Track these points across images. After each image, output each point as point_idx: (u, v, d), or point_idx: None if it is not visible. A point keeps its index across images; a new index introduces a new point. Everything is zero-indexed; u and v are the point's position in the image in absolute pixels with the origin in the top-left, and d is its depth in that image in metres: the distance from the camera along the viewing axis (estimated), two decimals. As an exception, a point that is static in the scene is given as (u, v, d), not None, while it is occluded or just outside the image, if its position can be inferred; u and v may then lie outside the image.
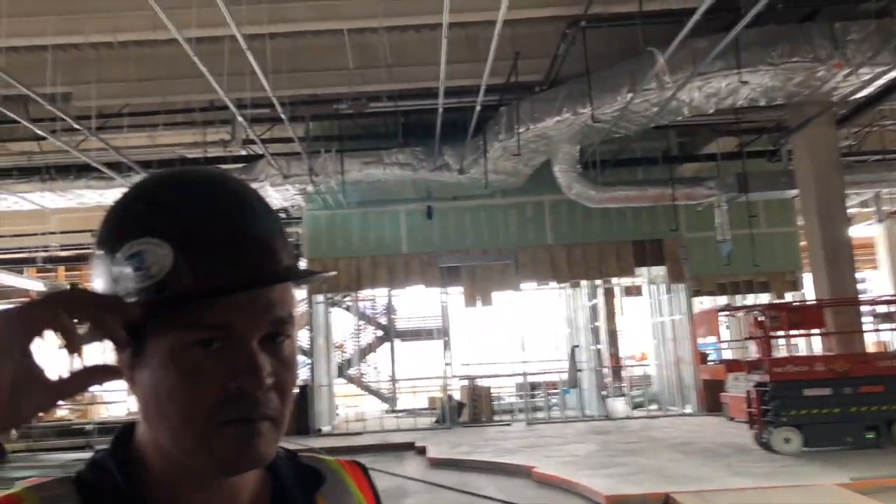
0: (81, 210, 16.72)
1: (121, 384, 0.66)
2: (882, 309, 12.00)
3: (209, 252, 0.61)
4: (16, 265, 21.15)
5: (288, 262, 0.66)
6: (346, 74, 12.62)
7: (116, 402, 23.42)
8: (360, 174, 14.28)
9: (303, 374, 21.54)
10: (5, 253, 20.75)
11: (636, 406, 17.47)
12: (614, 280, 18.19)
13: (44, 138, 11.67)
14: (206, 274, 0.60)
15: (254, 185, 10.07)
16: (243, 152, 14.59)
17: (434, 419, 16.86)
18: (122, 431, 0.71)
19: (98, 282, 0.63)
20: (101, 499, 0.66)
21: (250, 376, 0.61)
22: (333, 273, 0.79)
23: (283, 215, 19.28)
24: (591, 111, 11.56)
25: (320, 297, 16.92)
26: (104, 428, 17.32)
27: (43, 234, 19.64)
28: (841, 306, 11.33)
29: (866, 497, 6.89)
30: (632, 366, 21.48)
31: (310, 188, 14.56)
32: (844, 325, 11.30)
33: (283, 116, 10.94)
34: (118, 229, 0.63)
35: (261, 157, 13.86)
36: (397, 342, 21.91)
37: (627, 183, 14.56)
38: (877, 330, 11.71)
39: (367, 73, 12.55)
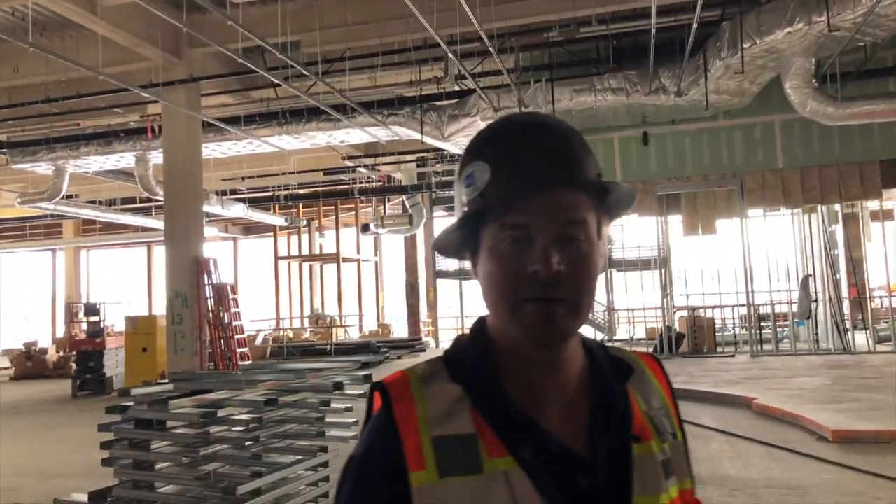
0: (314, 151, 18.55)
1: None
2: None
3: (511, 168, 0.80)
4: (263, 203, 23.73)
5: (581, 176, 0.81)
6: (555, 1, 12.57)
7: (352, 325, 26.22)
8: (571, 103, 14.23)
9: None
10: (253, 192, 23.38)
11: (881, 341, 15.98)
12: (859, 204, 16.51)
13: (278, 85, 12.95)
14: (508, 184, 0.79)
15: (466, 121, 10.69)
16: (456, 88, 15.18)
17: (652, 349, 16.80)
18: (480, 319, 0.91)
19: (455, 199, 0.87)
20: (464, 371, 0.85)
21: (542, 262, 0.78)
22: (627, 187, 0.87)
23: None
24: (828, 19, 10.45)
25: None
26: (341, 348, 19.44)
27: (283, 174, 21.96)
28: None
29: None
30: (879, 297, 19.48)
31: (521, 120, 14.84)
32: None
33: (491, 50, 11.21)
34: (463, 160, 0.85)
35: (472, 91, 14.34)
36: (613, 272, 21.87)
37: (875, 96, 12.96)
38: None
39: (576, -1, 12.40)
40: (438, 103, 15.45)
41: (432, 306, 24.91)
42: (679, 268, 20.77)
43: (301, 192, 23.99)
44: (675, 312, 17.68)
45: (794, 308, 16.28)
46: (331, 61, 13.57)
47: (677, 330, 16.76)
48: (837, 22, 10.53)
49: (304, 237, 28.58)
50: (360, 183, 23.83)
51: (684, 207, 16.40)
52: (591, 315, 14.77)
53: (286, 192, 22.99)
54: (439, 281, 25.00)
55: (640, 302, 20.07)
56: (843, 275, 17.31)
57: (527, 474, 0.78)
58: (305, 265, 28.49)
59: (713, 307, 17.93)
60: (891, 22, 10.68)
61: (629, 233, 23.21)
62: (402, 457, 0.79)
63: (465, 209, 0.83)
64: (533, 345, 0.82)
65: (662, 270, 17.21)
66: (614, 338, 19.26)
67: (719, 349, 16.55)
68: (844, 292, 16.66)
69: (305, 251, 28.39)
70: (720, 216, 16.10)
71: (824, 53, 12.24)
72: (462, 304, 26.63)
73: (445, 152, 18.15)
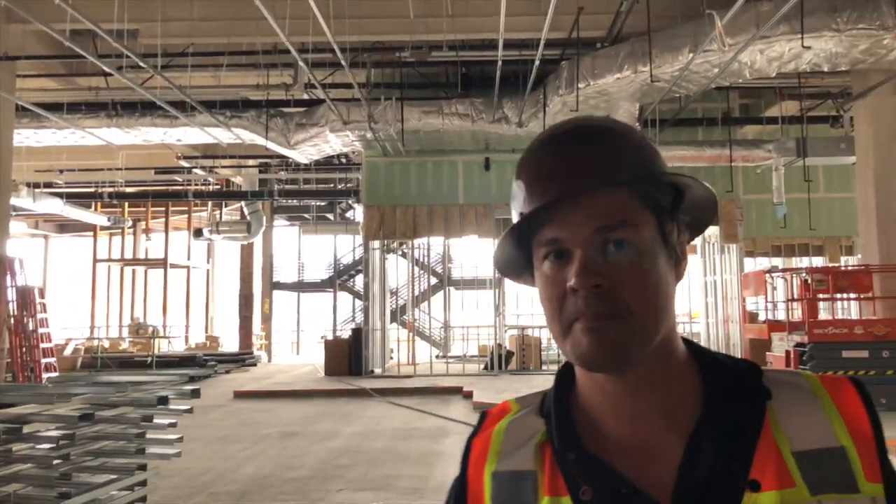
0: (145, 147, 17.49)
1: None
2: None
3: (532, 185, 0.74)
4: (83, 199, 21.90)
5: (614, 175, 0.71)
6: (408, 22, 12.84)
7: (176, 337, 24.88)
8: (419, 123, 14.57)
9: (357, 318, 22.42)
10: (73, 187, 21.56)
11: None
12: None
13: (110, 74, 12.07)
14: (531, 202, 0.73)
15: (313, 130, 10.54)
16: (305, 96, 15.01)
17: (483, 366, 17.43)
18: None
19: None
20: (548, 403, 0.80)
21: (576, 276, 0.69)
22: (702, 185, 0.76)
23: (342, 161, 19.84)
24: (650, 70, 11.53)
25: (376, 244, 17.46)
26: (163, 361, 18.35)
27: (109, 169, 20.47)
28: (888, 272, 11.30)
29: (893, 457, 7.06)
30: (682, 322, 21.53)
31: (369, 135, 14.94)
32: (891, 291, 11.27)
33: (343, 62, 11.24)
34: (516, 172, 0.79)
35: (322, 101, 14.26)
36: (451, 290, 22.50)
37: (686, 143, 14.47)
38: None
39: (429, 22, 12.74)
40: (286, 110, 15.18)
41: (267, 319, 24.22)
42: (512, 289, 21.80)
43: (128, 190, 22.47)
44: (506, 331, 18.47)
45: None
46: (172, 55, 12.91)
47: (507, 348, 17.53)
48: (658, 74, 11.64)
49: (129, 239, 26.75)
50: (196, 185, 22.76)
51: (519, 232, 17.18)
52: (426, 333, 14.84)
53: (111, 189, 21.41)
54: (276, 293, 24.38)
55: (475, 320, 20.75)
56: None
57: None
58: (128, 269, 26.62)
59: (541, 327, 18.93)
60: (701, 78, 11.98)
61: (467, 253, 24.05)
62: (465, 490, 0.79)
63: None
64: (589, 369, 0.74)
65: (497, 290, 17.96)
66: (448, 354, 19.75)
67: (545, 367, 17.49)
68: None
69: (129, 254, 26.56)
70: (551, 242, 17.06)
71: (647, 100, 13.46)
72: (299, 318, 26.16)
73: (290, 160, 17.83)
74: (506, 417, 0.81)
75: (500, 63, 11.99)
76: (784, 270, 13.43)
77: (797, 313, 12.26)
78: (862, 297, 11.83)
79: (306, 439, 9.04)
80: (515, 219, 0.76)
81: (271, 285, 24.03)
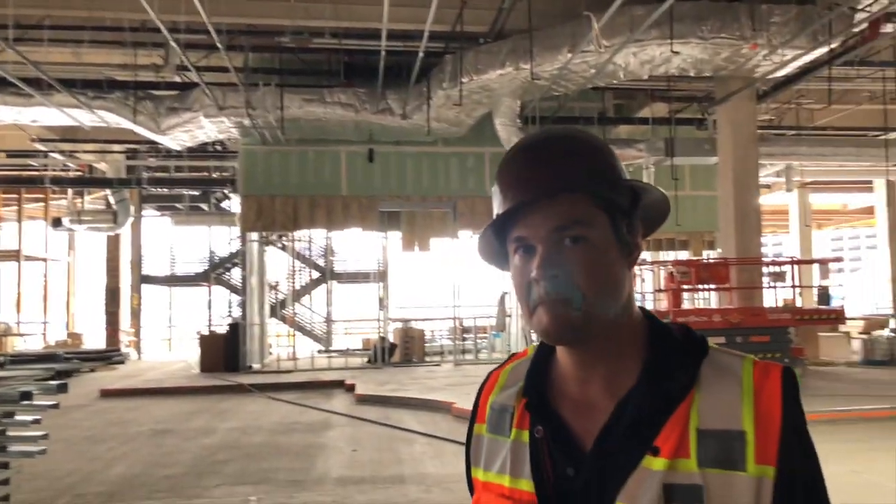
0: (-4, 127, 16.12)
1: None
2: (775, 269, 13.02)
3: (504, 190, 0.87)
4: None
5: (570, 182, 0.83)
6: (289, 6, 12.47)
7: (32, 334, 23.08)
8: (300, 111, 14.22)
9: (234, 313, 21.63)
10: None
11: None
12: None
13: (-48, 46, 11.03)
14: (505, 204, 0.86)
15: (186, 115, 10.03)
16: (177, 79, 14.28)
17: (366, 359, 17.31)
18: None
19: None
20: (536, 356, 0.96)
21: (538, 268, 0.83)
22: (656, 191, 0.90)
23: (218, 148, 19.06)
24: (531, 67, 11.84)
25: (254, 236, 16.90)
26: (18, 360, 16.92)
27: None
28: (743, 265, 12.24)
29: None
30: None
31: (246, 122, 14.42)
32: (745, 283, 12.22)
33: (219, 44, 10.77)
34: (496, 175, 0.91)
35: (196, 85, 13.59)
36: (334, 284, 22.16)
37: (563, 140, 14.99)
38: (772, 287, 12.72)
39: (310, 8, 12.42)
40: (156, 93, 14.36)
41: (135, 314, 22.85)
42: (396, 282, 21.80)
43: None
44: (389, 324, 18.44)
45: (493, 321, 17.97)
46: (25, 27, 11.88)
47: (391, 341, 17.50)
48: (539, 71, 11.99)
49: (-23, 228, 24.47)
50: (54, 170, 21.13)
51: (404, 225, 17.24)
52: (307, 328, 14.54)
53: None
54: (146, 287, 23.08)
55: (358, 313, 20.58)
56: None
57: (529, 449, 0.89)
58: (-24, 261, 24.35)
59: (424, 320, 19.05)
60: (579, 78, 12.45)
61: (351, 246, 23.79)
62: (477, 410, 1.00)
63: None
64: (548, 343, 0.89)
65: (381, 284, 17.88)
66: (331, 348, 19.47)
67: (428, 359, 17.62)
68: (535, 334, 18.88)
69: (-23, 245, 24.30)
70: (435, 235, 17.22)
71: (528, 98, 13.83)
72: (171, 314, 24.89)
73: (160, 146, 16.91)
74: (518, 360, 1.00)
75: (383, 53, 11.93)
76: (651, 263, 14.22)
77: (663, 303, 13.01)
78: (720, 287, 12.72)
79: (180, 437, 8.62)
80: (494, 217, 0.89)
81: (141, 279, 22.71)
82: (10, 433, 4.36)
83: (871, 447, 7.13)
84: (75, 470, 6.89)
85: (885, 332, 15.68)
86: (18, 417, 4.33)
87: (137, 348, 22.03)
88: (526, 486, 0.87)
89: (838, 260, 13.26)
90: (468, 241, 18.26)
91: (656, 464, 0.79)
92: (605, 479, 0.82)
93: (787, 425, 0.80)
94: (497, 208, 0.89)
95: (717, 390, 0.83)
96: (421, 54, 11.49)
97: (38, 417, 4.47)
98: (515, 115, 14.02)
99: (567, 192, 0.83)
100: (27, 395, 4.21)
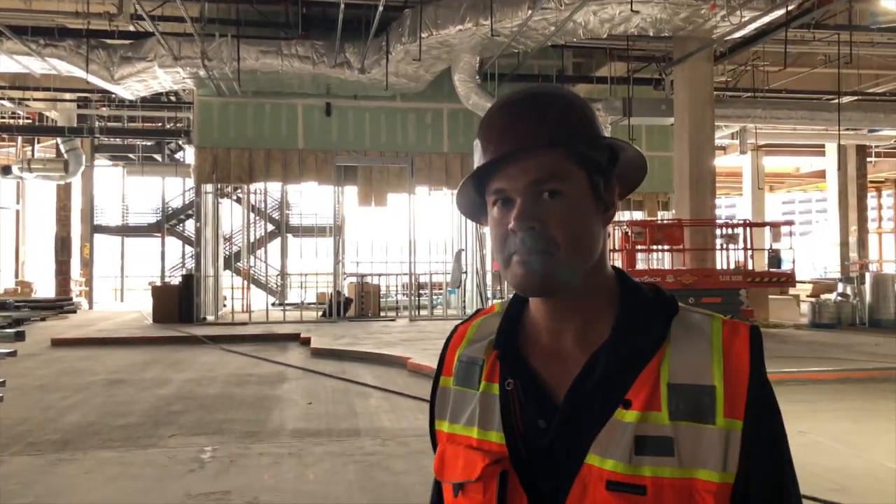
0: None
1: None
2: (728, 231, 13.38)
3: (491, 141, 0.88)
4: None
5: (551, 136, 0.85)
6: (247, -46, 12.17)
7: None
8: (257, 63, 13.94)
9: (188, 264, 21.41)
10: None
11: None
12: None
13: None
14: (484, 157, 0.88)
15: (141, 65, 9.82)
16: (131, 28, 13.84)
17: (321, 313, 17.39)
18: None
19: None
20: (507, 311, 0.98)
21: (516, 220, 0.84)
22: (633, 149, 0.91)
23: (172, 99, 18.60)
24: (491, 23, 11.79)
25: (209, 188, 16.66)
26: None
27: None
28: (696, 226, 12.56)
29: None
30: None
31: (202, 73, 14.09)
32: (699, 244, 12.58)
33: (175, -6, 10.48)
34: (478, 131, 0.93)
35: (151, 35, 13.21)
36: (289, 237, 22.02)
37: (522, 97, 15.00)
38: (725, 249, 13.06)
39: (268, -43, 12.15)
40: (109, 41, 13.93)
41: (87, 264, 22.44)
42: (352, 236, 21.78)
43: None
44: (345, 279, 18.50)
45: (448, 278, 18.17)
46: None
47: (346, 295, 17.58)
48: (499, 28, 11.95)
49: (-81, 175, 23.54)
50: (2, 118, 20.38)
51: (360, 179, 17.18)
52: (262, 281, 14.49)
53: None
54: (98, 237, 22.63)
55: (314, 267, 20.56)
56: (488, 250, 19.78)
57: (499, 401, 0.90)
58: (-82, 209, 23.53)
59: (380, 275, 19.16)
60: (539, 35, 12.45)
61: (307, 199, 23.62)
62: (443, 363, 1.01)
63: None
64: (522, 294, 0.90)
65: (336, 238, 17.87)
66: (286, 301, 19.47)
67: (383, 314, 17.77)
68: (489, 266, 19.05)
69: (-81, 192, 23.45)
70: (392, 191, 17.21)
71: (487, 55, 13.79)
72: (123, 263, 24.51)
73: (114, 95, 16.44)
74: (486, 315, 1.02)
75: (342, 6, 11.73)
76: (606, 223, 14.49)
77: (618, 263, 13.30)
78: (674, 248, 13.05)
79: (134, 387, 8.64)
80: (474, 169, 0.91)
81: (92, 228, 22.23)
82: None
83: (818, 408, 7.36)
84: (28, 418, 6.89)
85: (833, 296, 16.15)
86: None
87: (89, 298, 21.71)
88: (496, 437, 0.88)
89: (790, 223, 13.67)
90: (424, 196, 18.32)
91: (628, 416, 0.82)
92: (577, 430, 0.84)
93: (753, 382, 0.83)
94: (477, 162, 0.90)
95: (687, 347, 0.85)
96: (380, 8, 11.32)
97: (-11, 367, 4.47)
98: (475, 72, 13.98)
99: (546, 146, 0.85)
100: (-23, 345, 4.21)
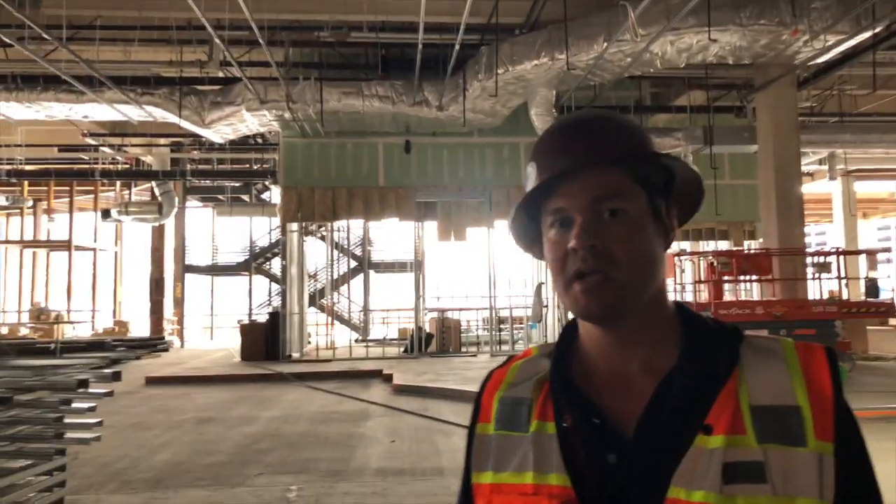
0: (48, 123, 16.60)
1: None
2: (820, 260, 12.75)
3: (547, 161, 0.87)
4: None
5: (608, 154, 0.83)
6: (327, 1, 12.66)
7: (82, 322, 23.83)
8: (339, 104, 14.40)
9: (274, 302, 22.05)
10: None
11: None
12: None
13: (10, 45, 11.40)
14: (541, 177, 0.86)
15: (229, 109, 10.28)
16: (220, 74, 14.58)
17: (402, 349, 17.51)
18: None
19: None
20: (555, 348, 0.93)
21: (576, 238, 0.82)
22: (686, 166, 0.88)
23: (259, 141, 19.39)
24: (567, 57, 11.79)
25: (294, 226, 17.18)
26: (68, 347, 17.52)
27: (7, 146, 19.38)
28: (785, 255, 12.03)
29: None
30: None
31: (287, 115, 14.65)
32: (788, 274, 12.02)
33: (260, 40, 10.97)
34: (530, 156, 0.92)
35: (238, 80, 13.88)
36: (371, 273, 22.42)
37: (600, 129, 14.85)
38: (817, 278, 12.44)
39: (348, 2, 12.60)
40: (200, 88, 14.70)
41: (179, 303, 23.47)
42: (432, 272, 21.97)
43: (28, 168, 21.24)
44: (426, 314, 18.61)
45: (529, 312, 17.99)
46: (78, 27, 12.27)
47: (427, 331, 17.66)
48: (574, 61, 11.93)
49: (29, 220, 25.34)
50: (103, 164, 21.74)
51: (440, 215, 17.35)
52: (345, 317, 14.66)
53: (9, 167, 20.18)
54: (189, 276, 23.67)
55: (395, 303, 20.79)
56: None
57: (558, 440, 0.84)
58: (28, 251, 25.24)
59: (460, 310, 19.19)
60: (615, 67, 12.35)
61: (388, 236, 24.01)
62: (479, 409, 0.94)
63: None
64: (586, 320, 0.86)
65: (417, 273, 18.06)
66: (368, 337, 19.73)
67: (464, 349, 17.75)
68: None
69: (29, 236, 25.17)
70: (471, 225, 17.29)
71: (563, 88, 13.77)
72: (213, 302, 25.49)
73: (204, 139, 17.28)
74: (524, 358, 0.96)
75: (420, 46, 11.99)
76: (692, 254, 14.07)
77: (704, 294, 12.86)
78: (762, 279, 12.53)
79: (223, 425, 8.89)
80: (527, 192, 0.88)
81: (184, 268, 23.30)
82: (67, 420, 4.58)
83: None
84: (123, 456, 7.18)
85: (937, 325, 15.22)
86: (75, 405, 4.54)
87: (180, 336, 22.64)
88: (557, 480, 0.81)
89: (886, 250, 12.92)
90: (503, 230, 18.29)
91: (711, 442, 0.76)
92: (653, 463, 0.77)
93: (839, 402, 0.78)
94: (532, 184, 0.88)
95: (762, 368, 0.81)
96: (457, 47, 11.53)
97: (93, 405, 4.69)
98: (551, 105, 13.97)
99: (607, 163, 0.83)
100: (84, 383, 4.42)
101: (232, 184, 23.60)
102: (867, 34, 10.91)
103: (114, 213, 21.57)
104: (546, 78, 13.00)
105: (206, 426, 8.82)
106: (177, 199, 21.60)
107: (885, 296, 14.02)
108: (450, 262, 22.91)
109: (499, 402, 0.91)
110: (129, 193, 24.43)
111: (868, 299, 13.25)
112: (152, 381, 13.31)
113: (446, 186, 16.86)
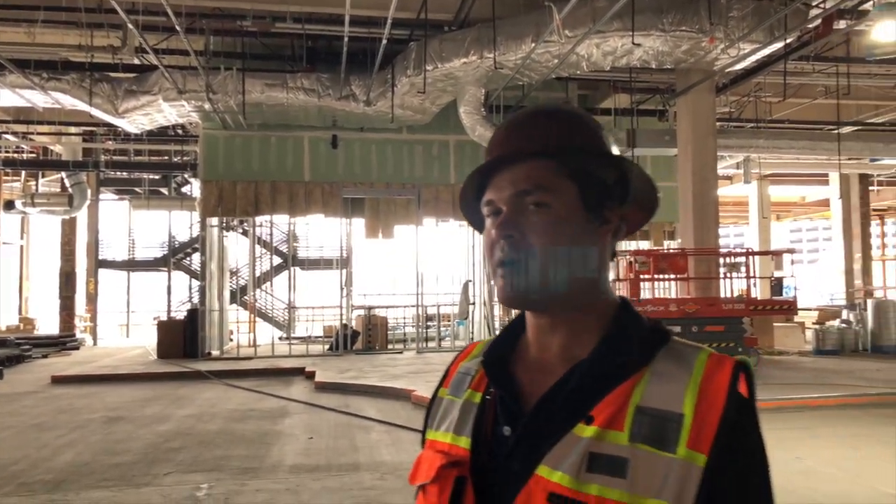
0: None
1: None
2: (731, 260, 13.28)
3: (489, 154, 0.90)
4: None
5: (541, 147, 0.86)
6: (251, -11, 12.31)
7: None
8: (262, 96, 14.02)
9: (194, 299, 21.35)
10: None
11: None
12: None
13: None
14: (484, 167, 0.90)
15: (145, 98, 9.88)
16: (136, 61, 13.98)
17: (327, 347, 17.23)
18: None
19: None
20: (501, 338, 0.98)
21: (496, 228, 0.86)
22: (638, 168, 0.91)
23: (178, 132, 18.74)
24: (495, 56, 11.84)
25: (214, 221, 16.65)
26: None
27: None
28: (700, 255, 12.46)
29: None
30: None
31: (207, 106, 14.17)
32: (702, 273, 12.44)
33: (178, 27, 10.54)
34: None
35: (155, 68, 13.32)
36: (297, 270, 21.97)
37: (528, 130, 14.97)
38: (728, 277, 12.95)
39: (272, -10, 12.30)
40: (113, 75, 14.05)
41: (92, 299, 22.42)
42: (359, 269, 21.72)
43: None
44: (352, 311, 18.37)
45: (456, 309, 18.02)
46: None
47: (353, 328, 17.44)
48: (503, 61, 11.99)
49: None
50: (6, 152, 20.57)
51: (367, 212, 17.17)
52: (268, 314, 14.40)
53: None
54: (103, 272, 22.65)
55: (321, 300, 20.48)
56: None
57: (477, 408, 0.91)
58: (-74, 244, 23.62)
59: (387, 307, 19.03)
60: (543, 68, 12.48)
61: (314, 232, 23.63)
62: (446, 376, 1.02)
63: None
64: (503, 304, 0.90)
65: (343, 270, 17.80)
66: (292, 335, 19.34)
67: (390, 346, 17.60)
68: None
69: (-73, 227, 23.57)
70: (399, 222, 17.18)
71: (492, 87, 13.83)
72: (129, 299, 24.49)
73: (119, 129, 16.56)
74: (495, 334, 1.02)
75: (346, 39, 11.80)
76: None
77: (623, 292, 13.16)
78: (678, 277, 12.92)
79: (133, 424, 8.50)
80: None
81: (97, 263, 22.26)
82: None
83: (817, 434, 7.33)
84: (21, 458, 6.76)
85: (836, 323, 16.11)
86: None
87: (93, 334, 21.64)
88: (464, 443, 0.88)
89: (791, 251, 13.54)
90: (432, 228, 18.26)
91: (587, 431, 0.79)
92: (537, 441, 0.82)
93: (727, 417, 0.78)
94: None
95: (666, 374, 0.82)
96: (384, 41, 11.39)
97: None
98: (480, 104, 14.01)
99: (534, 156, 0.86)
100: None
101: (150, 176, 22.73)
102: (780, 44, 11.40)
103: (18, 204, 20.43)
104: (475, 76, 13.02)
105: (115, 425, 8.41)
106: (89, 191, 20.63)
107: (789, 294, 14.72)
108: (378, 260, 22.74)
109: (457, 372, 0.99)
110: (37, 184, 23.20)
111: (774, 297, 13.89)
112: (59, 381, 12.63)
113: (374, 183, 16.69)
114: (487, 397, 0.91)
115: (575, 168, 0.86)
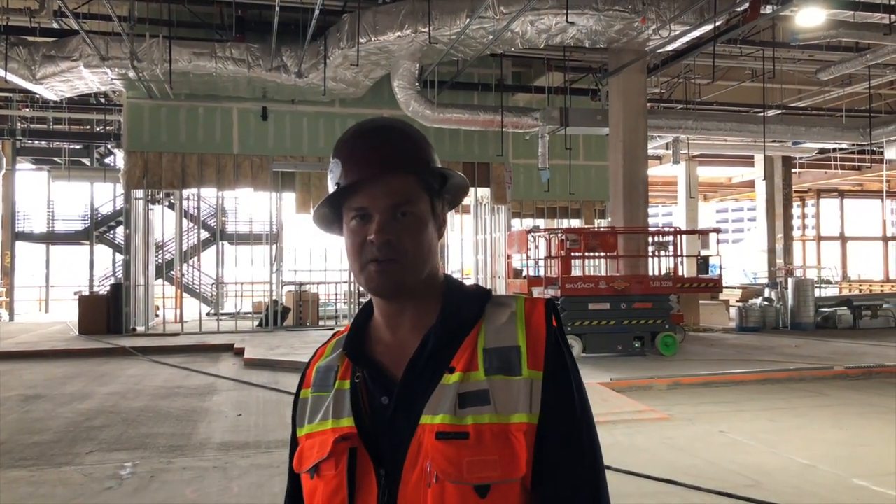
0: None
1: None
2: (659, 239, 13.66)
3: (347, 165, 1.03)
4: None
5: (408, 165, 1.03)
6: (180, -45, 11.82)
7: None
8: (189, 65, 13.54)
9: (118, 273, 20.63)
10: None
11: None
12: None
13: None
14: (347, 177, 1.02)
15: (65, 64, 9.44)
16: (55, 25, 13.28)
17: (257, 323, 16.98)
18: None
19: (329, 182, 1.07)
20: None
21: (375, 234, 1.00)
22: (459, 176, 1.10)
23: (101, 101, 17.97)
24: (430, 31, 11.75)
25: (139, 193, 16.08)
26: None
27: None
28: (629, 234, 12.78)
29: (618, 393, 8.11)
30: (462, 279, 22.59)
31: (131, 74, 13.61)
32: (632, 251, 12.78)
33: (102, -8, 10.07)
34: (333, 152, 1.07)
35: (76, 33, 12.69)
36: (225, 245, 21.47)
37: (462, 106, 14.98)
38: (657, 256, 13.32)
39: (202, -43, 11.84)
40: (31, 39, 13.32)
41: (7, 273, 21.40)
42: (290, 244, 21.38)
43: None
44: (283, 287, 18.12)
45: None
46: None
47: (284, 304, 17.22)
48: (437, 35, 11.92)
49: None
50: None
51: (298, 186, 16.89)
52: (196, 290, 14.14)
53: None
54: (20, 244, 21.61)
55: (250, 276, 20.10)
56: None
57: (350, 393, 1.03)
58: None
59: (318, 283, 18.85)
60: (477, 44, 12.48)
61: (243, 206, 23.10)
62: (304, 379, 1.13)
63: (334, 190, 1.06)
64: (376, 295, 1.05)
65: (274, 246, 17.51)
66: (221, 311, 18.95)
67: (322, 322, 17.47)
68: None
69: None
70: (330, 198, 16.92)
71: (427, 61, 13.75)
72: (48, 272, 23.48)
73: (37, 96, 15.74)
74: (341, 335, 1.13)
75: (278, 8, 11.51)
76: (546, 231, 14.57)
77: (554, 269, 13.37)
78: (608, 255, 13.22)
79: (53, 402, 8.20)
80: (332, 188, 1.05)
81: (13, 235, 21.22)
82: None
83: (739, 408, 7.62)
84: (-69, 439, 6.45)
85: (758, 301, 16.81)
86: None
87: (9, 309, 20.69)
88: (347, 422, 1.01)
89: (717, 231, 14.00)
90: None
91: (452, 378, 0.98)
92: (413, 399, 0.98)
93: (550, 341, 1.02)
94: (337, 179, 1.04)
95: (497, 319, 1.04)
96: (317, 12, 11.15)
97: None
98: (414, 79, 13.91)
99: (404, 171, 1.02)
100: None
101: (70, 146, 21.73)
102: (709, 27, 11.69)
103: (-73, 172, 19.25)
104: (409, 50, 12.90)
105: (33, 403, 8.11)
106: (4, 160, 19.58)
107: (714, 273, 15.27)
108: (309, 235, 22.44)
109: (316, 371, 1.11)
110: (-53, 152, 21.86)
111: (700, 276, 14.38)
112: (-29, 359, 12.06)
113: (305, 157, 16.42)
114: (357, 381, 1.04)
115: (427, 182, 1.05)
